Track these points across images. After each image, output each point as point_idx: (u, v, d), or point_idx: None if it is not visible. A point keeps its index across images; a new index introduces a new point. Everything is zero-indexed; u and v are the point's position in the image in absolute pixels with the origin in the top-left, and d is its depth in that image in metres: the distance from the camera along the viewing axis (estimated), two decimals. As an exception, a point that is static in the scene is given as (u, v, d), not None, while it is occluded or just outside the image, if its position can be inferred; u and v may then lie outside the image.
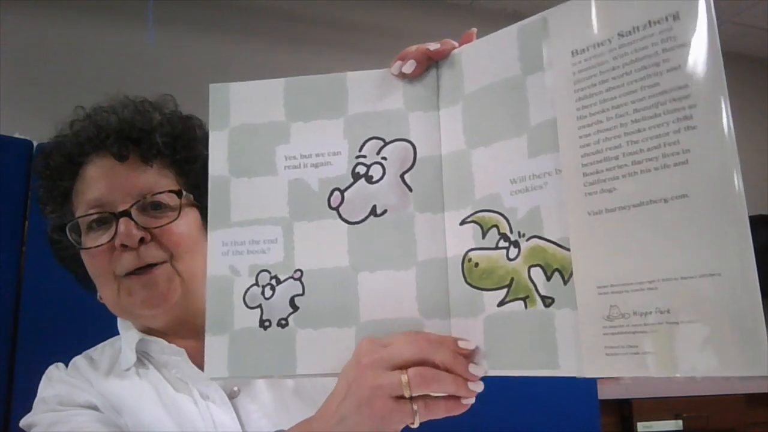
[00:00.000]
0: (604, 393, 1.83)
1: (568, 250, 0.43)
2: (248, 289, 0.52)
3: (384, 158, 0.51)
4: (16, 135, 1.12)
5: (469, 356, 0.46)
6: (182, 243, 0.67)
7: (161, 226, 0.66)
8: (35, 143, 1.07)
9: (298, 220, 0.52)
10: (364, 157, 0.52)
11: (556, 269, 0.44)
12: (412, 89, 0.52)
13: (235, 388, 0.69)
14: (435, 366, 0.45)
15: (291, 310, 0.51)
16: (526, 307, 0.45)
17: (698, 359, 0.37)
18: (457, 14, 2.75)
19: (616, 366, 0.40)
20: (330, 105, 0.53)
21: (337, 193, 0.52)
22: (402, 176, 0.51)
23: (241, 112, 0.55)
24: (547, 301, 0.44)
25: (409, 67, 0.51)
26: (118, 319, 0.77)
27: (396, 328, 0.48)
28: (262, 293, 0.51)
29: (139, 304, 0.67)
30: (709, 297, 0.37)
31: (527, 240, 0.45)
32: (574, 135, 0.43)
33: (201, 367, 0.69)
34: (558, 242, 0.44)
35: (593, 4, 0.44)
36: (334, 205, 0.51)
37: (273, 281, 0.51)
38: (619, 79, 0.42)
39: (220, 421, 0.66)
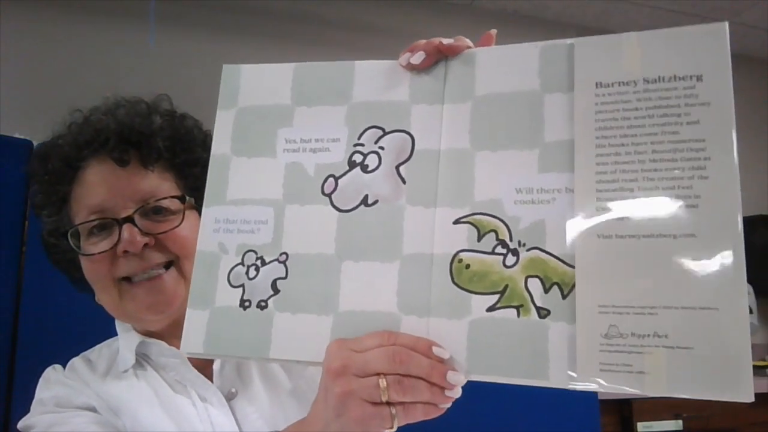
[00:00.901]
0: (605, 393, 1.83)
1: (571, 266, 0.45)
2: (233, 267, 0.52)
3: (381, 148, 0.51)
4: (16, 135, 1.12)
5: (445, 362, 0.45)
6: (186, 246, 0.66)
7: (165, 231, 0.66)
8: (35, 143, 1.07)
9: (290, 203, 0.51)
10: (362, 145, 0.51)
11: (556, 282, 0.45)
12: (418, 81, 0.52)
13: (233, 390, 0.69)
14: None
15: (272, 292, 0.50)
16: (518, 315, 0.45)
17: (689, 382, 0.41)
18: (457, 14, 2.75)
19: (609, 380, 0.42)
20: (335, 91, 0.53)
21: (331, 179, 0.51)
22: (397, 168, 0.50)
23: (250, 93, 0.55)
24: (543, 313, 0.45)
25: (417, 58, 0.50)
26: (117, 321, 0.77)
27: (372, 322, 0.47)
28: (246, 273, 0.51)
29: (144, 310, 0.67)
30: (705, 327, 0.41)
31: (528, 250, 0.46)
32: (592, 160, 0.46)
33: (201, 369, 0.70)
34: (560, 257, 0.45)
35: (623, 45, 0.47)
36: (327, 191, 0.51)
37: (258, 262, 0.51)
38: (640, 120, 0.45)
39: (218, 423, 0.66)
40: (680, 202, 0.43)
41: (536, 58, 0.50)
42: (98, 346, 0.77)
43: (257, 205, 0.52)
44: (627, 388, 0.41)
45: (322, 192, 0.51)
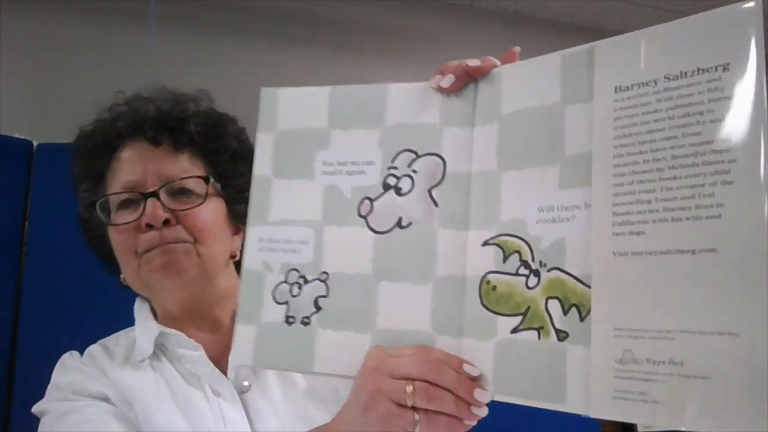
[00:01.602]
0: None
1: (589, 286, 0.43)
2: (278, 285, 0.54)
3: (414, 171, 0.52)
4: (16, 135, 1.12)
5: (475, 380, 0.47)
6: (206, 228, 0.70)
7: (186, 209, 0.69)
8: (35, 143, 1.07)
9: (329, 225, 0.53)
10: (396, 168, 0.52)
11: (574, 304, 0.43)
12: (448, 104, 0.53)
13: (246, 383, 0.70)
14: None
15: (314, 309, 0.52)
16: (539, 337, 0.45)
17: (705, 415, 0.37)
18: (457, 14, 2.74)
19: (622, 410, 0.40)
20: (369, 115, 0.54)
21: (367, 201, 0.53)
22: (429, 191, 0.51)
23: (288, 116, 0.57)
24: (561, 335, 0.44)
25: (447, 81, 0.52)
26: (136, 309, 0.78)
27: (408, 341, 0.49)
28: (290, 291, 0.54)
29: (156, 272, 0.68)
30: (725, 355, 0.36)
31: (548, 270, 0.45)
32: (609, 172, 0.42)
33: (216, 362, 0.71)
34: (579, 277, 0.43)
35: (642, 42, 0.44)
36: (363, 213, 0.53)
37: (301, 280, 0.53)
38: (660, 123, 0.41)
39: (230, 419, 0.67)
40: (701, 212, 0.38)
41: (558, 68, 0.48)
42: (115, 335, 0.78)
43: (298, 226, 0.54)
44: (639, 419, 0.39)
45: (359, 214, 0.53)
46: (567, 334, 0.43)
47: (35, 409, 0.69)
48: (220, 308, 0.75)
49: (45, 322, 0.99)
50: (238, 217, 0.75)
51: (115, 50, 2.22)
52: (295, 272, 0.54)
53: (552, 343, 0.44)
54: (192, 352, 0.71)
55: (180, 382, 0.69)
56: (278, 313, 0.53)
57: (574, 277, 0.44)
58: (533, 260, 0.46)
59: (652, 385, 0.39)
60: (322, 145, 0.55)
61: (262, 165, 0.57)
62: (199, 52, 2.32)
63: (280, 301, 0.54)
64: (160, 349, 0.73)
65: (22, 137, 1.09)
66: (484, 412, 0.47)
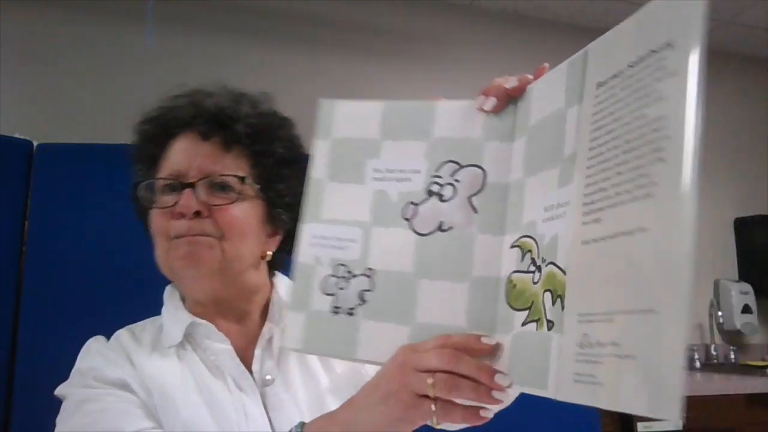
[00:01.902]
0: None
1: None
2: (326, 277, 0.59)
3: (456, 180, 0.56)
4: (16, 135, 1.12)
5: (491, 370, 0.50)
6: (234, 226, 0.72)
7: (219, 204, 0.71)
8: (35, 143, 1.07)
9: (376, 226, 0.59)
10: (440, 177, 0.57)
11: (559, 295, 0.45)
12: (490, 120, 0.57)
13: (269, 377, 0.73)
14: (461, 375, 0.49)
15: (359, 302, 0.57)
16: (537, 328, 0.48)
17: (631, 396, 0.37)
18: (457, 14, 2.75)
19: (579, 393, 0.40)
20: (418, 128, 0.59)
21: (411, 206, 0.58)
22: (470, 198, 0.56)
23: (343, 126, 0.62)
24: (550, 325, 0.46)
25: (489, 105, 0.56)
26: (167, 296, 0.80)
27: (443, 333, 0.53)
28: (337, 284, 0.59)
29: (179, 259, 0.71)
30: (646, 333, 0.36)
31: (546, 265, 0.48)
32: (583, 165, 0.45)
33: (240, 352, 0.73)
34: (563, 268, 0.46)
35: (619, 35, 0.45)
36: (407, 216, 0.57)
37: (347, 274, 0.58)
38: (620, 111, 0.42)
39: (251, 414, 0.69)
40: (638, 193, 0.38)
41: (564, 74, 0.51)
42: (142, 322, 0.80)
43: (348, 226, 0.59)
44: (590, 402, 0.39)
45: (403, 217, 0.58)
46: (553, 324, 0.46)
47: (58, 391, 0.71)
48: (248, 302, 0.78)
49: (45, 322, 0.99)
50: (276, 220, 0.78)
51: (115, 50, 2.22)
52: (342, 267, 0.59)
53: (544, 333, 0.46)
54: (219, 344, 0.73)
55: (204, 372, 0.72)
56: (325, 303, 0.58)
57: (560, 269, 0.46)
58: (538, 257, 0.49)
59: (599, 367, 0.39)
60: (374, 154, 0.60)
61: (317, 169, 0.62)
62: (199, 52, 2.32)
63: (328, 293, 0.59)
64: (186, 338, 0.74)
65: (22, 137, 1.08)
66: (504, 398, 0.49)
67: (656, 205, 0.37)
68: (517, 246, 0.52)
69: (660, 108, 0.38)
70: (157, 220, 0.74)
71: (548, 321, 0.46)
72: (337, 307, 0.58)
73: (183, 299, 0.79)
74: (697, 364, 2.60)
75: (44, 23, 2.17)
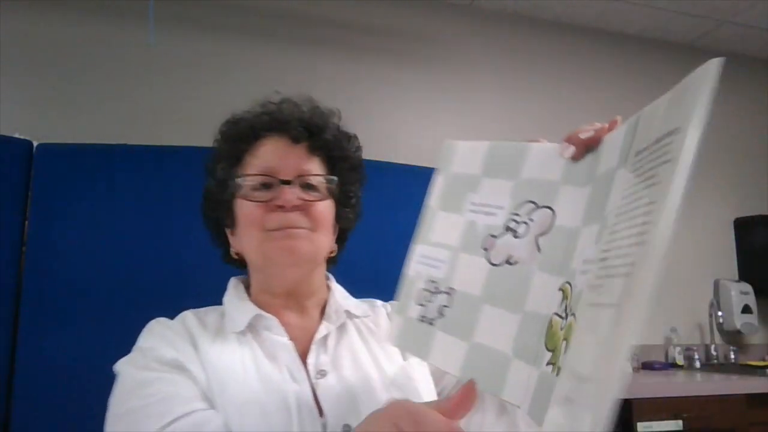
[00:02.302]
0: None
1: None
2: (420, 290, 0.69)
3: (531, 219, 0.61)
4: (16, 135, 1.12)
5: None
6: (323, 220, 0.81)
7: (312, 201, 0.80)
8: (35, 143, 1.07)
9: (462, 251, 0.66)
10: (518, 215, 0.63)
11: (568, 347, 0.49)
12: (570, 165, 0.61)
13: (323, 369, 0.77)
14: None
15: (438, 315, 0.65)
16: (552, 371, 0.51)
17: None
18: (457, 14, 2.75)
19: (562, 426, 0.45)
20: (510, 167, 0.65)
21: (491, 238, 0.64)
22: (537, 237, 0.60)
23: (457, 162, 0.71)
24: (558, 371, 0.49)
25: (568, 152, 0.60)
26: (231, 287, 0.85)
27: (491, 355, 0.59)
28: (427, 297, 0.67)
29: (278, 250, 0.78)
30: (580, 397, 0.42)
31: (570, 315, 0.51)
32: (607, 231, 0.47)
33: (297, 344, 0.79)
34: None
35: (659, 104, 0.45)
36: (486, 246, 0.64)
37: (435, 290, 0.67)
38: (635, 186, 0.44)
39: (305, 403, 0.72)
40: (621, 270, 0.41)
41: (623, 132, 0.53)
42: (205, 309, 0.84)
43: (442, 248, 0.68)
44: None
45: (483, 247, 0.64)
46: (559, 371, 0.49)
47: (115, 367, 0.74)
48: (310, 300, 0.85)
49: (45, 322, 0.99)
50: (341, 218, 0.87)
51: (115, 50, 2.22)
52: (433, 283, 0.67)
53: (554, 377, 0.50)
54: (280, 338, 0.78)
55: (263, 359, 0.76)
56: (416, 311, 0.68)
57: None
58: (569, 305, 0.52)
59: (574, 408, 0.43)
60: (473, 188, 0.68)
61: (433, 199, 0.71)
62: (199, 52, 2.32)
63: (420, 303, 0.68)
64: (249, 327, 0.79)
65: (22, 137, 1.08)
66: None
67: (628, 285, 0.40)
68: (561, 290, 0.55)
69: (653, 193, 0.40)
70: (252, 212, 0.80)
71: (559, 368, 0.49)
72: (423, 317, 0.67)
73: (247, 290, 0.86)
74: (697, 364, 2.60)
75: (44, 23, 2.17)
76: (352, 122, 0.88)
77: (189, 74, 2.25)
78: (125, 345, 0.75)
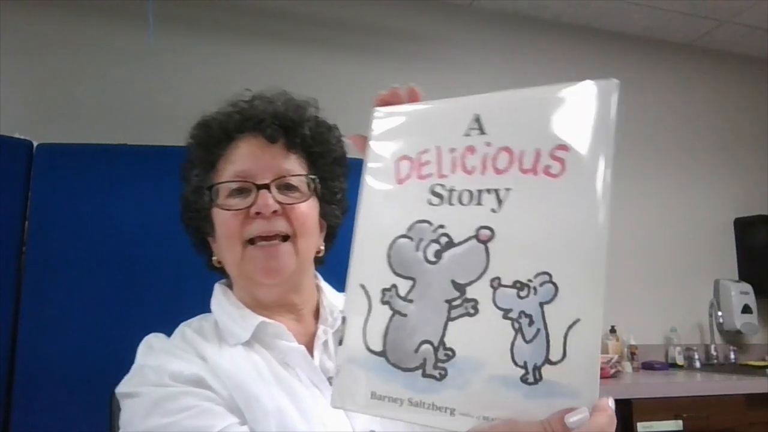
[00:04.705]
0: (605, 393, 1.83)
1: None
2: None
3: None
4: (16, 135, 1.12)
5: None
6: (306, 223, 0.77)
7: (292, 203, 0.76)
8: (35, 143, 1.07)
9: None
10: None
11: None
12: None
13: (332, 376, 0.73)
14: None
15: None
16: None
17: None
18: (457, 14, 2.75)
19: None
20: None
21: None
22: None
23: None
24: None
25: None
26: (221, 295, 0.80)
27: None
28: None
29: (259, 271, 0.74)
30: None
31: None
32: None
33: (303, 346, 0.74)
34: None
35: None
36: None
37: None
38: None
39: (328, 408, 0.67)
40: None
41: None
42: (196, 319, 0.80)
43: None
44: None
45: None
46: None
47: (120, 390, 0.69)
48: (303, 304, 0.81)
49: (45, 322, 0.99)
50: (327, 216, 0.82)
51: (115, 50, 2.22)
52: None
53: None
54: (290, 343, 0.75)
55: (278, 368, 0.73)
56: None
57: None
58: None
59: None
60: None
61: None
62: (199, 51, 2.32)
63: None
64: (253, 337, 0.75)
65: (22, 137, 1.08)
66: None
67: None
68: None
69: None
70: (228, 222, 0.75)
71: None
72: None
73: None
74: (697, 364, 2.60)
75: (44, 23, 2.17)
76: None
77: (189, 74, 2.25)
78: (125, 345, 0.75)
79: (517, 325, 0.43)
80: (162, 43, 2.19)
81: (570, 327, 0.42)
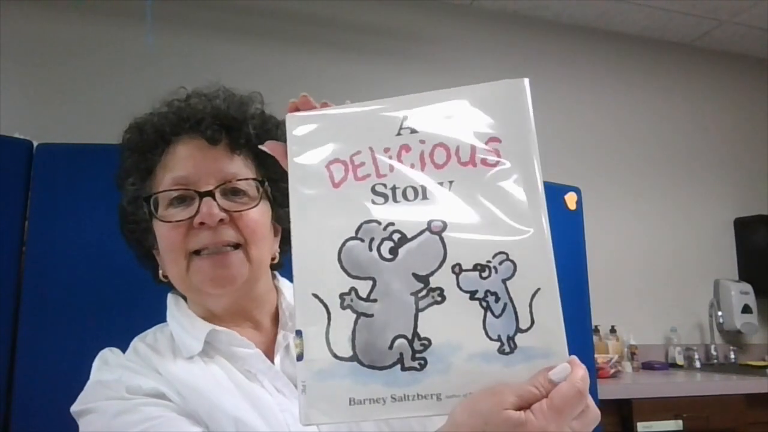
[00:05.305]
0: (605, 393, 1.83)
1: None
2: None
3: None
4: (16, 135, 1.12)
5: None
6: (256, 230, 0.70)
7: (240, 210, 0.69)
8: (35, 143, 1.07)
9: None
10: None
11: None
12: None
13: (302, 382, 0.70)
14: None
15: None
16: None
17: None
18: (457, 14, 2.75)
19: None
20: None
21: None
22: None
23: None
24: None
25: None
26: (171, 305, 0.76)
27: None
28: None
29: (207, 282, 0.69)
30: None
31: None
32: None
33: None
34: None
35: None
36: None
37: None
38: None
39: (295, 414, 0.64)
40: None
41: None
42: (151, 331, 0.76)
43: None
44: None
45: None
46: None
47: (75, 408, 0.66)
48: (260, 310, 0.75)
49: (45, 322, 0.99)
50: (280, 220, 0.76)
51: (115, 50, 2.22)
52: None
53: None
54: (246, 350, 0.70)
55: (239, 376, 0.68)
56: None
57: None
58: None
59: None
60: None
61: None
62: (198, 52, 2.32)
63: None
64: (208, 347, 0.71)
65: (22, 137, 1.08)
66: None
67: None
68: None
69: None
70: (170, 235, 0.69)
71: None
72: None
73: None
74: (697, 364, 2.60)
75: (44, 23, 2.17)
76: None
77: (188, 74, 2.25)
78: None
79: (484, 304, 0.46)
80: (161, 43, 2.19)
81: (533, 296, 0.46)
